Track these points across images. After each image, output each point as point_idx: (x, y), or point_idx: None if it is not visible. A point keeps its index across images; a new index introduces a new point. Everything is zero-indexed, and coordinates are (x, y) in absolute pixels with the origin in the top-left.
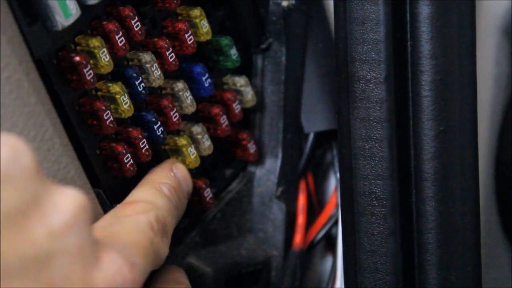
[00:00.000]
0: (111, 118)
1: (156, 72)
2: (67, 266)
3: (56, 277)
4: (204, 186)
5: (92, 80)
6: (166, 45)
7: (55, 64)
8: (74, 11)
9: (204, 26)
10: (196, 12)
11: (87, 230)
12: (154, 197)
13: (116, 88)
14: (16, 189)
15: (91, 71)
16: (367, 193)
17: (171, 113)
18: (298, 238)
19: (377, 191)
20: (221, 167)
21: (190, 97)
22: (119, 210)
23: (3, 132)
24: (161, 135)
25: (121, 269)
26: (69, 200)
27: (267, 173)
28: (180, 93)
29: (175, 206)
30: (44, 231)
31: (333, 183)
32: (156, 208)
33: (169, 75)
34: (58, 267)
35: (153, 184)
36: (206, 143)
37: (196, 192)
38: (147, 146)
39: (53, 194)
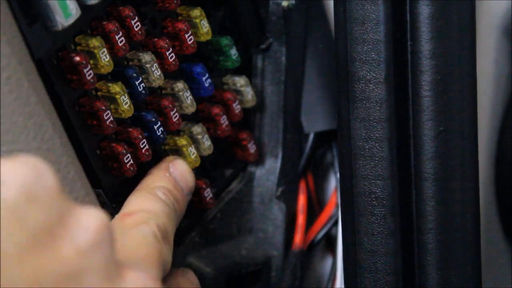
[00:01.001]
0: (111, 118)
1: (156, 72)
2: (96, 283)
3: None
4: (204, 186)
5: (92, 80)
6: (166, 45)
7: (55, 64)
8: (74, 11)
9: (204, 26)
10: (196, 12)
11: (112, 248)
12: (150, 204)
13: (116, 88)
14: (41, 209)
15: (91, 71)
16: (367, 193)
17: (171, 113)
18: (298, 238)
19: (377, 191)
20: (221, 167)
21: (190, 97)
22: (119, 223)
23: (22, 154)
24: (161, 135)
25: (146, 284)
26: (93, 219)
27: (267, 173)
28: (180, 93)
29: (172, 209)
30: (72, 249)
31: (333, 183)
32: (155, 215)
33: (169, 75)
34: (87, 285)
35: (147, 190)
36: (206, 143)
37: (196, 192)
38: (147, 146)
39: (78, 214)
